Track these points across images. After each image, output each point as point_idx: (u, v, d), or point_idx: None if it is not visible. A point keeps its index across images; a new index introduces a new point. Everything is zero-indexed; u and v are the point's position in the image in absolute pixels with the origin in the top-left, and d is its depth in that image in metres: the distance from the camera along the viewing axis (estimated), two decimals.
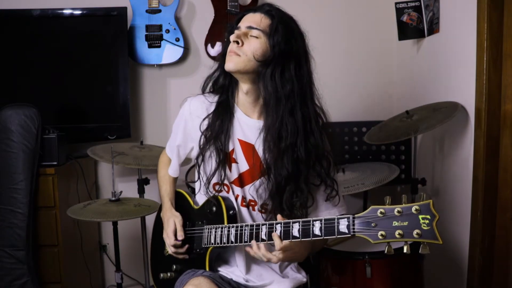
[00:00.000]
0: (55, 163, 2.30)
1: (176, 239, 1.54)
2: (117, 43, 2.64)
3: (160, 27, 2.69)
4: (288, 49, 1.40)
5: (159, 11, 2.69)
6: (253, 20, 1.41)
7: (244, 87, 1.46)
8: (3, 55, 2.62)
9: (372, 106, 2.88)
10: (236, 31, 1.42)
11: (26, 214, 2.18)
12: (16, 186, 2.18)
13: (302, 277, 1.57)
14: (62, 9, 2.63)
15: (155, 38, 2.69)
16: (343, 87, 2.88)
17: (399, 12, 2.50)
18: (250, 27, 1.41)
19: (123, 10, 2.63)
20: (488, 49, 1.96)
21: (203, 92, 1.57)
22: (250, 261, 1.52)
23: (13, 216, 2.17)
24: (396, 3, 2.51)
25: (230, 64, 1.41)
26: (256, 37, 1.40)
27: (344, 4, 2.89)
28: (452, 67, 2.26)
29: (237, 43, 1.40)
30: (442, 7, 2.32)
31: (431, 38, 2.44)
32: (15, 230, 2.17)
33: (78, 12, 2.63)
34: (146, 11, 2.68)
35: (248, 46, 1.40)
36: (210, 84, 1.55)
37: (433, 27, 2.38)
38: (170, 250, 1.57)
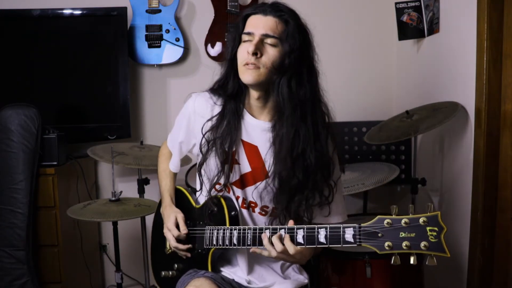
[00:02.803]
0: (55, 163, 2.30)
1: (179, 231, 1.50)
2: (117, 43, 2.64)
3: (160, 27, 2.69)
4: (303, 54, 1.37)
5: (159, 11, 2.69)
6: (268, 27, 1.34)
7: (255, 94, 1.42)
8: (3, 55, 2.62)
9: (372, 106, 2.89)
10: (252, 41, 1.34)
11: (26, 214, 2.18)
12: (16, 186, 2.18)
13: (303, 278, 1.56)
14: (62, 9, 2.63)
15: (155, 38, 2.69)
16: (343, 87, 2.87)
17: (399, 12, 2.50)
18: (267, 35, 1.34)
19: (123, 10, 2.63)
20: (488, 49, 1.96)
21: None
22: (253, 262, 1.51)
23: (13, 216, 2.17)
24: (396, 3, 2.51)
25: (250, 78, 1.36)
26: (273, 46, 1.34)
27: (344, 4, 2.89)
28: (452, 67, 2.26)
29: (256, 54, 1.33)
30: (442, 7, 2.32)
31: (431, 38, 2.44)
32: (15, 230, 2.17)
33: (78, 12, 2.63)
34: (146, 11, 2.68)
35: (267, 57, 1.34)
36: (217, 87, 1.50)
37: (433, 27, 2.38)
38: (172, 244, 1.52)
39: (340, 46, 2.89)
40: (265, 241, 1.31)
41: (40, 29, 2.62)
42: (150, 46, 2.69)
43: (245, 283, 1.49)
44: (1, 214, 2.18)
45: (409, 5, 2.48)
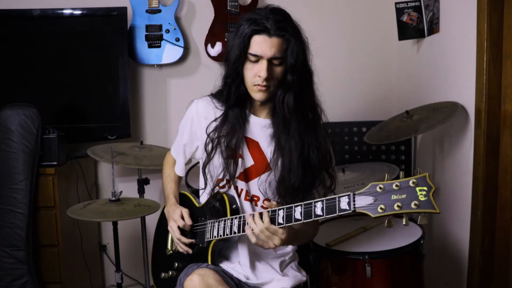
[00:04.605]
0: (55, 163, 2.31)
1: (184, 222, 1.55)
2: (117, 43, 2.64)
3: (160, 27, 2.69)
4: (303, 66, 1.45)
5: (159, 11, 2.69)
6: (275, 49, 1.40)
7: (259, 102, 1.51)
8: (3, 55, 2.62)
9: (372, 106, 2.88)
10: (258, 61, 1.41)
11: (26, 214, 2.18)
12: (16, 186, 2.18)
13: (302, 276, 1.60)
14: (62, 9, 2.63)
15: (155, 38, 2.69)
16: (343, 87, 2.88)
17: (399, 12, 2.50)
18: (274, 58, 1.41)
19: (123, 10, 2.63)
20: (488, 49, 1.96)
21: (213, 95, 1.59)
22: (252, 258, 1.54)
23: (13, 216, 2.18)
24: (396, 3, 2.51)
25: (262, 97, 1.46)
26: (279, 65, 1.43)
27: (344, 4, 2.89)
28: (452, 67, 2.26)
29: (267, 79, 1.42)
30: (442, 7, 2.32)
31: (431, 38, 2.44)
32: (15, 230, 2.17)
33: (78, 12, 2.63)
34: (146, 11, 2.68)
35: (275, 77, 1.43)
36: (218, 93, 1.56)
37: (433, 27, 2.39)
38: (176, 236, 1.56)
39: (340, 46, 2.89)
40: (249, 220, 1.37)
41: (40, 29, 2.62)
42: (150, 46, 2.69)
43: (243, 279, 1.52)
44: (1, 214, 2.18)
45: (409, 5, 2.48)
